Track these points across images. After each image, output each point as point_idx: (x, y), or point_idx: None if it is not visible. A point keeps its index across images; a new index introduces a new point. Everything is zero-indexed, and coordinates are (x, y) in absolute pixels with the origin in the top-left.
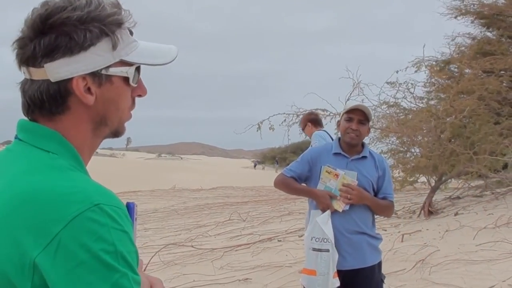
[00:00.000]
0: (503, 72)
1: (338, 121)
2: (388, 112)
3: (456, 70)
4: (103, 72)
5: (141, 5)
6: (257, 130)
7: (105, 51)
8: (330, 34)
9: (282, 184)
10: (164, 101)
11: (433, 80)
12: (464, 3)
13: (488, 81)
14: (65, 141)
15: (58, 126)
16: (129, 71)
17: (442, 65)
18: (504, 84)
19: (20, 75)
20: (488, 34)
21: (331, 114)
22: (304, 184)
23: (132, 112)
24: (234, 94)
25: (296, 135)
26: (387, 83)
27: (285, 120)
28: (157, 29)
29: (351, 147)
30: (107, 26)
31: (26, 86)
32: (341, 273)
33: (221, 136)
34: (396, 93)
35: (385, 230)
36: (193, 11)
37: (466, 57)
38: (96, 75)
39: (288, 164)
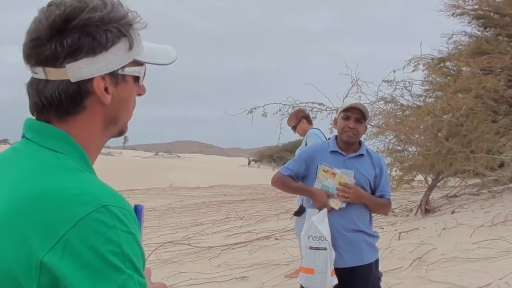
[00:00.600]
0: (500, 70)
1: (335, 119)
2: (385, 108)
3: (453, 68)
4: (119, 72)
5: (139, 4)
6: (248, 114)
7: (122, 51)
8: (329, 33)
9: (279, 182)
10: (161, 99)
11: (430, 78)
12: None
13: (486, 79)
14: (73, 141)
15: (70, 126)
16: (140, 71)
17: (439, 62)
18: (501, 82)
19: (16, 74)
20: (486, 33)
21: (328, 109)
22: (302, 183)
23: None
24: (232, 93)
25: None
26: (385, 81)
27: (280, 110)
28: (155, 28)
29: (348, 145)
30: (123, 26)
31: (41, 86)
32: (338, 271)
33: (218, 135)
34: (394, 91)
35: (382, 228)
36: (190, 10)
37: (464, 56)
38: (113, 75)
39: (285, 163)
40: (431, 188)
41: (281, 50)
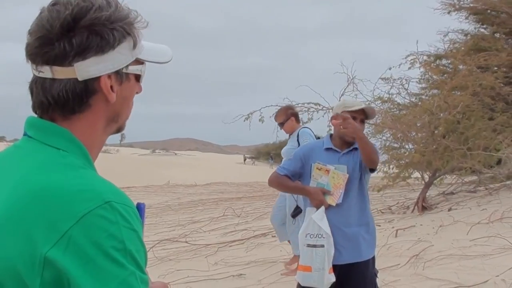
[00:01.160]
0: (496, 68)
1: (333, 117)
2: (382, 107)
3: (450, 65)
4: (124, 70)
5: (137, 4)
6: (245, 120)
7: (127, 49)
8: (325, 31)
9: (276, 182)
10: (158, 97)
11: (427, 76)
12: None
13: (482, 77)
14: (75, 139)
15: (74, 125)
16: (142, 69)
17: (435, 59)
18: (498, 80)
19: (13, 72)
20: (482, 30)
21: (324, 109)
22: (299, 182)
23: None
24: (229, 91)
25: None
26: (381, 78)
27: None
28: (152, 26)
29: (345, 143)
30: (127, 25)
31: (47, 85)
32: (336, 268)
33: (215, 132)
34: (391, 88)
35: (379, 226)
36: (186, 7)
37: (460, 53)
38: (118, 74)
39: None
40: (428, 185)
41: (278, 47)
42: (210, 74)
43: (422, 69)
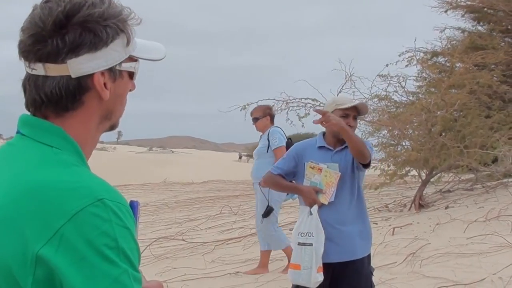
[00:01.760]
0: (493, 66)
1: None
2: (379, 105)
3: (447, 63)
4: (117, 67)
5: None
6: (241, 110)
7: (120, 46)
8: (323, 29)
9: (270, 182)
10: (155, 95)
11: (424, 74)
12: None
13: (480, 75)
14: (68, 137)
15: (67, 122)
16: (136, 66)
17: (432, 56)
18: (495, 78)
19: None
20: (479, 28)
21: (322, 105)
22: (293, 181)
23: None
24: (226, 88)
25: (283, 123)
26: (379, 76)
27: (273, 105)
28: (147, 24)
29: (338, 140)
30: (121, 22)
31: (39, 83)
32: (331, 266)
33: (212, 130)
34: (388, 86)
35: (376, 224)
36: (182, 5)
37: (457, 51)
38: (112, 71)
39: None
40: (424, 183)
41: (275, 45)
42: (207, 72)
43: (419, 67)
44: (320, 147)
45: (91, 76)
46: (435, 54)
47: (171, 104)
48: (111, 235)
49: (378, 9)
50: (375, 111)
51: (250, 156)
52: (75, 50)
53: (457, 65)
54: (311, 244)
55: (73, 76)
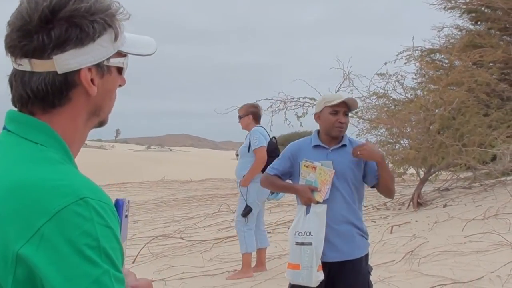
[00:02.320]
0: (492, 64)
1: (317, 114)
2: (377, 103)
3: (445, 61)
4: (105, 63)
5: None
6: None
7: (108, 42)
8: (321, 27)
9: (266, 182)
10: (153, 93)
11: (422, 71)
12: None
13: (478, 73)
14: (54, 133)
15: (54, 119)
16: (124, 62)
17: (429, 53)
18: (493, 76)
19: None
20: (477, 27)
21: None
22: (290, 181)
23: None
24: (224, 87)
25: (281, 124)
26: (377, 74)
27: (271, 105)
28: (147, 23)
29: (333, 139)
30: (108, 17)
31: (26, 78)
32: (327, 265)
33: (210, 128)
34: (386, 84)
35: (374, 222)
36: (180, 3)
37: (456, 49)
38: (99, 66)
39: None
40: (423, 181)
41: (273, 43)
42: (205, 70)
43: (417, 65)
44: (316, 146)
45: (77, 72)
46: (433, 51)
47: (169, 102)
48: (92, 234)
49: (376, 7)
50: (373, 108)
51: None
52: (61, 45)
53: (456, 62)
54: (310, 243)
55: (59, 72)
